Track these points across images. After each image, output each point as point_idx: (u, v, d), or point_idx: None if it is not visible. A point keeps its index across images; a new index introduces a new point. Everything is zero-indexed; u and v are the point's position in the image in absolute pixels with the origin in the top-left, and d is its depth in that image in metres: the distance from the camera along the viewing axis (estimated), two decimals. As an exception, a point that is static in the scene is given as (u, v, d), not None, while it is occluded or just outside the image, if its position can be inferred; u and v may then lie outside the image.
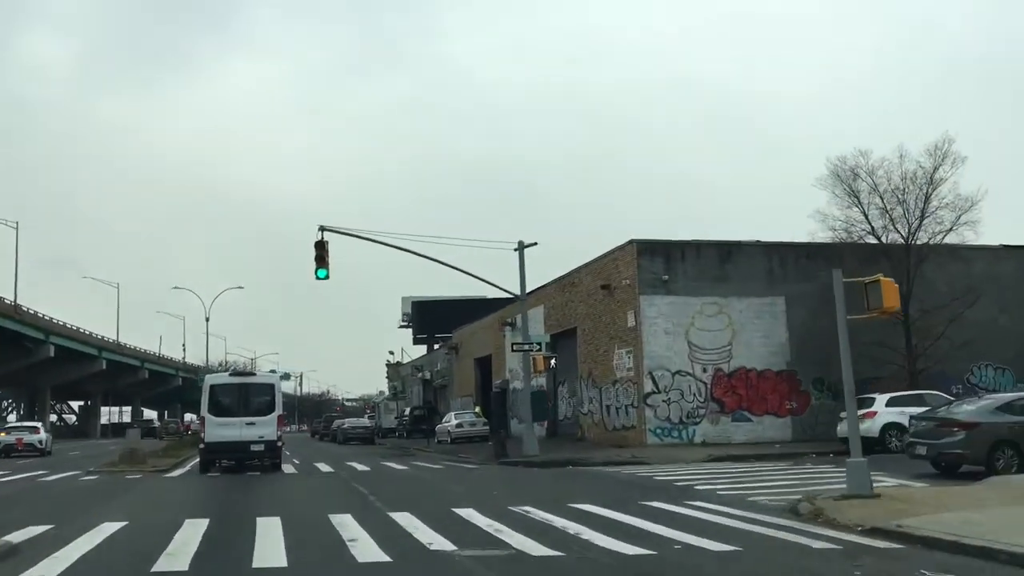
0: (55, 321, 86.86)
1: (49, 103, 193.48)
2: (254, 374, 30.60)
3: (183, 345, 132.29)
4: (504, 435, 31.03)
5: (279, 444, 25.19)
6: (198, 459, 26.36)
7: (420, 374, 67.17)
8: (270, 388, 25.90)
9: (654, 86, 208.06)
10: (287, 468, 26.65)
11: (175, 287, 72.44)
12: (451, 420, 44.85)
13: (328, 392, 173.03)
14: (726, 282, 31.74)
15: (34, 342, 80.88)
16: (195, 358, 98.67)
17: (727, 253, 32.01)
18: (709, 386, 31.21)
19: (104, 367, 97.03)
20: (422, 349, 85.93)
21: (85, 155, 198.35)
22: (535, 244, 29.46)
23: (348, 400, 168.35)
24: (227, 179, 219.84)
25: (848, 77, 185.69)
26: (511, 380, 45.80)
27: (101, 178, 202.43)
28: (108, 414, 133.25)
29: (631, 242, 31.59)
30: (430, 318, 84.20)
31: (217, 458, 25.30)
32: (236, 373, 30.23)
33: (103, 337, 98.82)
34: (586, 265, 35.97)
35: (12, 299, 77.23)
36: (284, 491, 19.34)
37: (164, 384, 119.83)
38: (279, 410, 25.36)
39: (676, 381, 31.03)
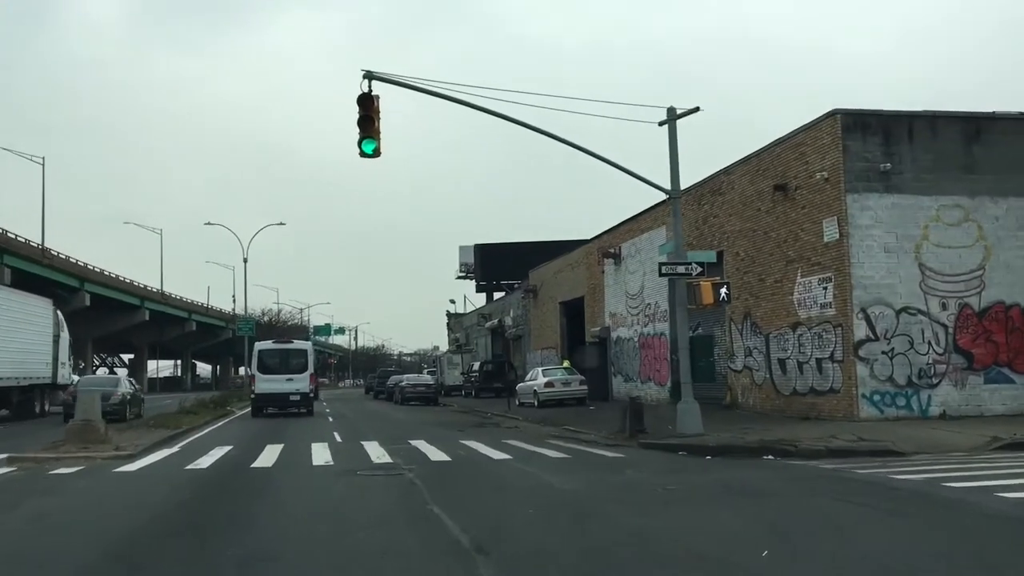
0: (91, 267, 78.91)
1: (104, 61, 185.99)
2: (291, 342, 36.66)
3: (233, 297, 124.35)
4: (638, 402, 20.97)
5: (311, 396, 33.69)
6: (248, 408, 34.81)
7: (489, 323, 57.40)
8: (304, 352, 34.06)
9: None
10: (319, 456, 17.06)
11: (207, 223, 62.27)
12: (538, 377, 34.98)
13: (383, 346, 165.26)
14: (975, 174, 21.04)
15: (67, 290, 72.59)
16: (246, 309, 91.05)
17: (975, 131, 21.22)
18: (951, 330, 20.70)
19: (147, 318, 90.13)
20: (486, 300, 76.40)
21: (143, 109, 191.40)
22: (696, 111, 19.03)
23: (405, 355, 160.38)
24: (282, 131, 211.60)
25: None
26: (613, 327, 35.69)
27: (158, 132, 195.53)
28: (157, 368, 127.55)
29: (833, 114, 20.94)
30: (496, 265, 74.49)
31: (265, 405, 32.68)
32: (278, 341, 36.33)
33: (145, 286, 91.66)
34: (744, 161, 25.38)
35: (40, 242, 69.06)
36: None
37: (213, 336, 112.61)
38: (311, 369, 33.56)
39: (902, 323, 20.57)
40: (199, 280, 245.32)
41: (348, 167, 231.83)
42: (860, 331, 20.40)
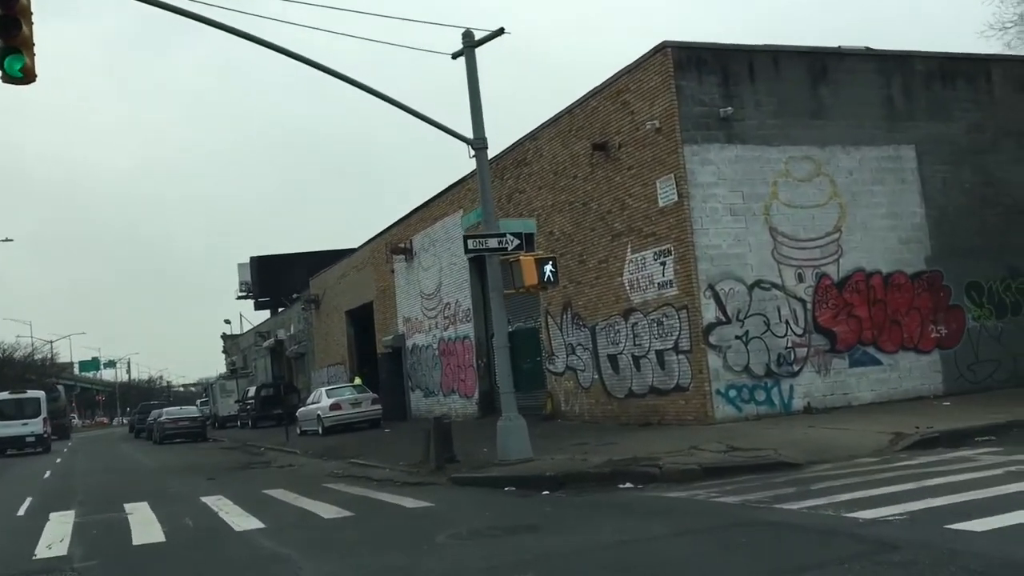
0: None
1: None
2: (26, 392, 40.35)
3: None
4: (445, 421, 16.16)
5: (47, 436, 38.52)
6: None
7: (267, 341, 50.72)
8: (37, 400, 38.81)
9: None
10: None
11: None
12: (322, 399, 29.37)
13: (161, 378, 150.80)
14: (824, 119, 17.84)
15: None
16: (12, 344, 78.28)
17: (821, 69, 18.02)
18: (810, 306, 17.33)
19: None
20: (267, 317, 68.97)
21: None
22: (501, 33, 14.43)
23: (184, 385, 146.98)
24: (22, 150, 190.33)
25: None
26: (408, 334, 30.80)
27: None
28: None
29: (663, 48, 17.03)
30: (277, 279, 67.08)
31: (4, 447, 36.96)
32: (14, 392, 39.87)
33: None
34: (553, 121, 21.15)
35: None
36: None
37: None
38: (44, 414, 38.52)
39: (755, 300, 16.95)
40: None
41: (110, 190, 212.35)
42: (709, 312, 16.59)
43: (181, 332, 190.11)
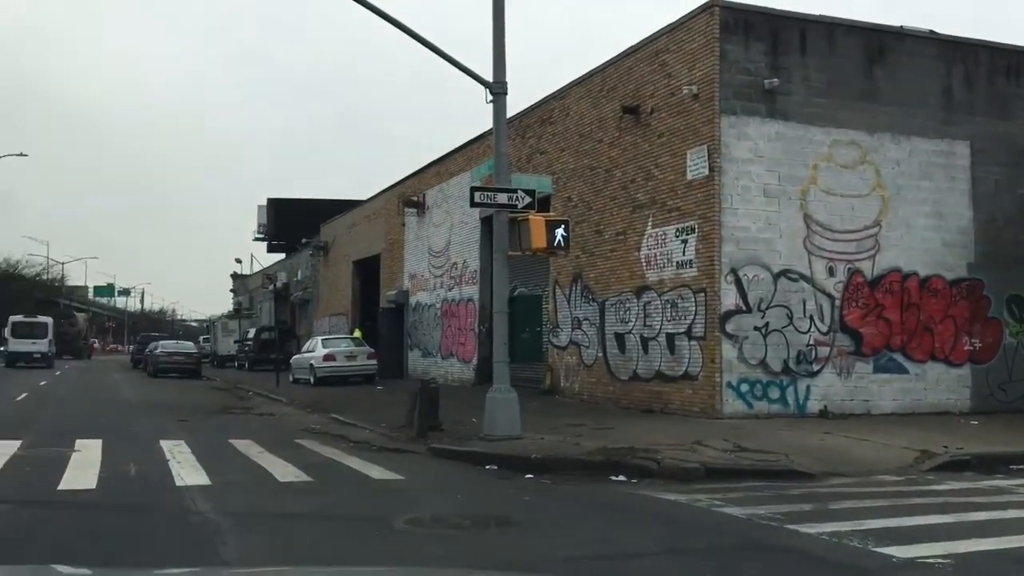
0: None
1: None
2: (36, 317, 48.77)
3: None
4: (433, 386, 15.04)
5: (50, 355, 46.11)
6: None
7: (272, 284, 49.72)
8: (45, 324, 47.07)
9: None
10: None
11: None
12: (316, 348, 28.39)
13: (172, 311, 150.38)
14: (875, 104, 16.41)
15: None
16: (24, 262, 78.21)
17: (878, 49, 16.56)
18: (838, 303, 16.02)
19: None
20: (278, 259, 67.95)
21: None
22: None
23: (194, 321, 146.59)
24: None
25: None
26: (412, 291, 29.69)
27: None
28: None
29: (710, 7, 15.60)
30: (291, 222, 65.86)
31: (16, 359, 44.04)
32: (27, 316, 47.88)
33: None
34: (584, 79, 19.77)
35: None
36: None
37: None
38: (50, 336, 46.75)
39: (780, 290, 15.66)
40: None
41: (134, 117, 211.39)
42: (729, 299, 15.32)
43: (197, 268, 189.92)
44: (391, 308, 31.19)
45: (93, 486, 8.98)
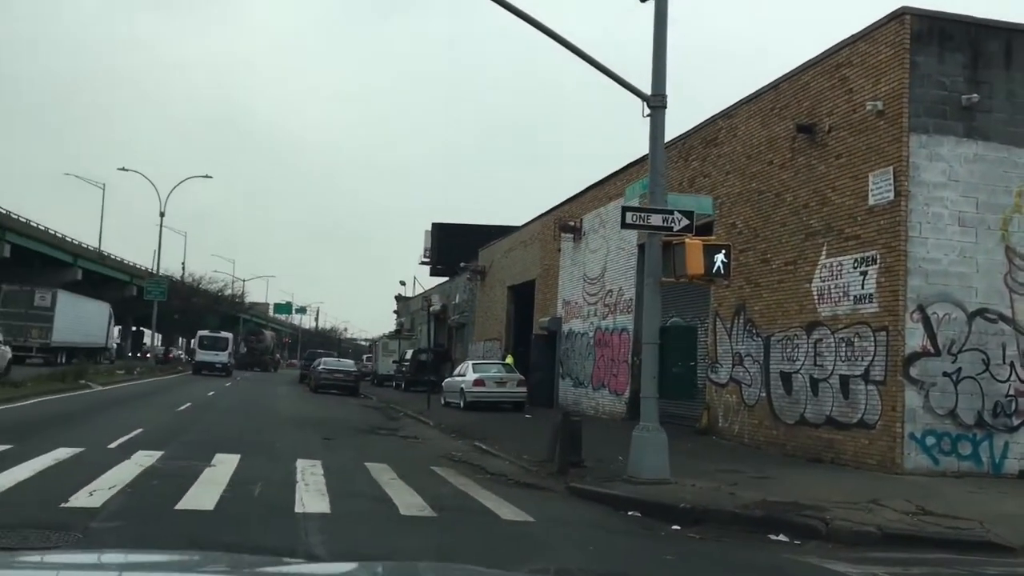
0: (13, 215, 70.00)
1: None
2: (220, 332, 56.17)
3: (183, 263, 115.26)
4: (575, 419, 14.08)
5: (230, 365, 52.77)
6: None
7: (432, 307, 50.23)
8: (227, 339, 54.47)
9: None
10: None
11: (121, 168, 54.61)
12: (467, 373, 27.99)
13: (345, 329, 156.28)
14: (1097, 122, 14.29)
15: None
16: (207, 278, 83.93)
17: (1101, 60, 14.46)
18: (1046, 349, 13.94)
19: (80, 278, 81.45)
20: (441, 283, 68.91)
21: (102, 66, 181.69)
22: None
23: (363, 340, 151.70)
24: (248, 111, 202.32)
25: None
26: (565, 319, 28.88)
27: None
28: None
29: (901, 15, 14.04)
30: (454, 246, 66.75)
31: (202, 368, 51.08)
32: (212, 331, 56.25)
33: (80, 243, 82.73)
34: (754, 97, 18.46)
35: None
36: None
37: (161, 303, 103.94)
38: (230, 349, 54.60)
39: (975, 332, 13.79)
40: (149, 243, 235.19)
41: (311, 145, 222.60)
42: (915, 339, 13.60)
43: (369, 289, 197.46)
44: (544, 335, 30.49)
45: (211, 507, 8.58)
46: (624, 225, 12.43)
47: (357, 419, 23.72)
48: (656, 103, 12.40)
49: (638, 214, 12.35)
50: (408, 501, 9.70)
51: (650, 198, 12.56)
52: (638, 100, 12.55)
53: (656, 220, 12.16)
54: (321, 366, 40.16)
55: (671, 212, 12.20)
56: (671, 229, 12.12)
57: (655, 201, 12.41)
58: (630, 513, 10.34)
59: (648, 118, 12.52)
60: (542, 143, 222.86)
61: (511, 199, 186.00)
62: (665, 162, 12.82)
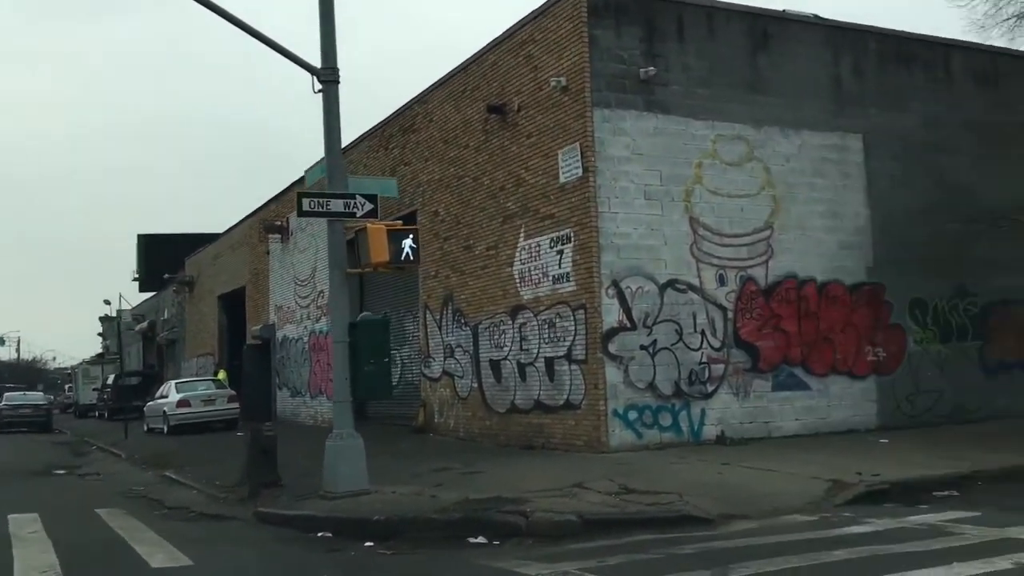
0: None
1: None
2: None
3: None
4: (268, 434, 12.62)
5: None
6: None
7: (139, 325, 46.00)
8: None
9: None
10: None
11: None
12: (170, 394, 25.39)
13: (54, 358, 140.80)
14: (761, 94, 14.95)
15: None
16: None
17: (762, 34, 15.14)
18: (731, 314, 14.38)
19: None
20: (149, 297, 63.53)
21: None
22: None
23: (69, 369, 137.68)
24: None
25: None
26: (279, 325, 27.11)
27: None
28: None
29: (575, -14, 13.88)
30: (165, 258, 61.78)
31: None
32: None
33: None
34: (446, 80, 17.79)
35: None
36: None
37: None
38: None
39: (667, 303, 13.92)
40: None
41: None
42: (611, 315, 13.49)
43: (77, 313, 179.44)
44: (257, 344, 28.46)
45: None
46: (301, 213, 11.17)
47: (35, 460, 20.62)
48: (327, 76, 11.22)
49: (316, 199, 11.13)
50: (32, 562, 7.86)
51: (328, 182, 11.38)
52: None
53: (337, 206, 11.01)
54: (3, 403, 35.25)
55: (352, 196, 11.10)
56: (354, 215, 11.03)
57: (334, 185, 11.25)
58: (320, 535, 9.14)
59: (320, 94, 11.32)
60: (241, 138, 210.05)
61: (217, 202, 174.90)
62: (366, 151, 11.79)
